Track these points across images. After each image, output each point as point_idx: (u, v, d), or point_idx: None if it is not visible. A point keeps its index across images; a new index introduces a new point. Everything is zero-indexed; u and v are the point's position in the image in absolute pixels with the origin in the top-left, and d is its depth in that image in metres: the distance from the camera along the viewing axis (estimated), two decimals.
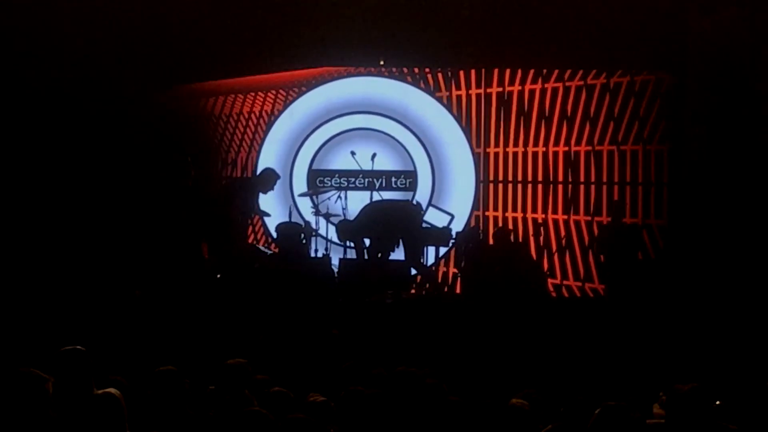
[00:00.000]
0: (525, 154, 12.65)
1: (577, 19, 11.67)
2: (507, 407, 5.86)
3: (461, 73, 12.73)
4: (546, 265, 12.24)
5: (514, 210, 12.67)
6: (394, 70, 12.86)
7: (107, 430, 4.52)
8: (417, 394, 5.73)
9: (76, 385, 5.01)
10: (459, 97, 12.81)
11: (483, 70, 12.68)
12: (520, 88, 12.64)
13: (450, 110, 12.81)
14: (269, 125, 12.98)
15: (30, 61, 11.45)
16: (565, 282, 12.34)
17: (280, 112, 12.96)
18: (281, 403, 5.88)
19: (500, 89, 12.68)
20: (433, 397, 6.04)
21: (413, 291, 11.47)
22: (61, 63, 11.50)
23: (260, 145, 12.93)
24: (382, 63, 12.79)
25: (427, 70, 12.84)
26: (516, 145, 12.68)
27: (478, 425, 5.68)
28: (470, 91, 12.77)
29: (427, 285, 11.51)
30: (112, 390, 4.86)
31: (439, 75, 12.82)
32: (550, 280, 11.98)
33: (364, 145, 12.43)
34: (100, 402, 4.53)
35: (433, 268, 11.81)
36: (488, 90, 12.72)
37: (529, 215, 12.63)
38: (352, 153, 12.02)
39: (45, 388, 4.32)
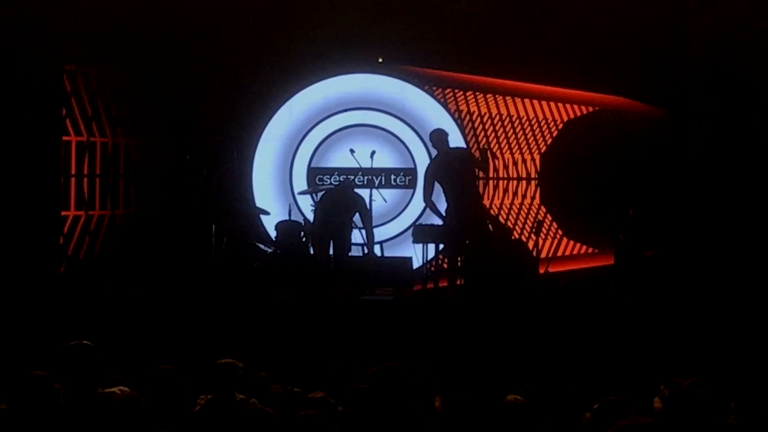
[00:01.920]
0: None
1: (576, 16, 11.69)
2: (503, 404, 5.88)
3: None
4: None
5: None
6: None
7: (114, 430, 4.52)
8: (408, 391, 5.73)
9: (82, 383, 4.95)
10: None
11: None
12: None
13: (446, 107, 12.81)
14: (265, 122, 12.94)
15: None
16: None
17: (276, 109, 12.92)
18: (284, 401, 5.89)
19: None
20: (426, 395, 6.06)
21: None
22: None
23: (256, 142, 12.90)
24: (380, 61, 12.78)
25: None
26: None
27: (476, 422, 5.69)
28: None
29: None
30: (119, 389, 4.87)
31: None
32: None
33: (363, 143, 12.39)
34: (106, 402, 4.52)
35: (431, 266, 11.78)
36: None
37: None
38: (351, 151, 11.99)
39: (55, 391, 4.31)
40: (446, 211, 11.12)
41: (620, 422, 3.91)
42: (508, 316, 9.91)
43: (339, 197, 11.47)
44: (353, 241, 11.69)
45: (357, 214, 11.45)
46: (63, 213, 12.29)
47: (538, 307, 10.10)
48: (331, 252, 11.23)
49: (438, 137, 11.26)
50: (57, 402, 4.37)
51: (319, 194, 11.76)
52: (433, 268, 11.58)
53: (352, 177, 12.38)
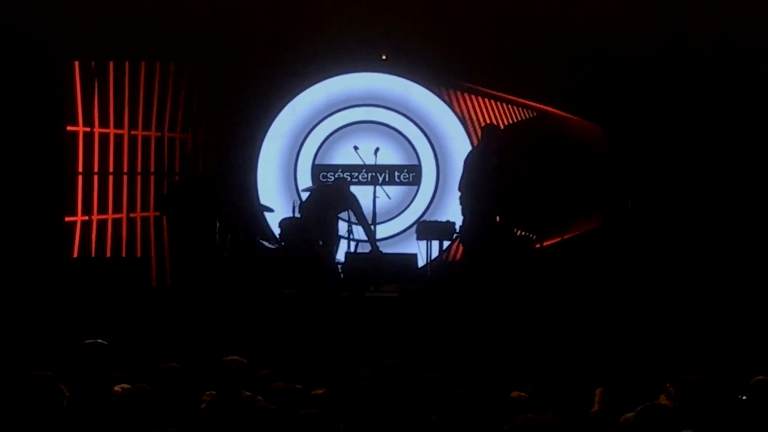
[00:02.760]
0: None
1: (578, 11, 11.68)
2: (507, 400, 5.89)
3: None
4: None
5: None
6: None
7: (121, 428, 4.52)
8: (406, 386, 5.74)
9: (95, 381, 4.95)
10: None
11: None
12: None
13: (449, 105, 12.78)
14: (270, 120, 12.94)
15: None
16: None
17: (281, 107, 12.92)
18: (287, 398, 5.89)
19: None
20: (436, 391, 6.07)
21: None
22: None
23: (261, 140, 12.90)
24: (383, 58, 12.76)
25: None
26: None
27: (481, 418, 5.70)
28: None
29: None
30: (120, 387, 4.87)
31: None
32: None
33: (367, 140, 12.40)
34: (119, 400, 4.52)
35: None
36: None
37: None
38: (355, 148, 12.00)
39: (59, 391, 4.32)
40: (468, 206, 11.02)
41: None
42: (512, 312, 9.91)
43: (329, 193, 11.49)
44: (356, 237, 11.73)
45: (350, 212, 11.48)
46: (68, 219, 12.26)
47: (542, 303, 10.09)
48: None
49: (491, 132, 11.20)
50: (61, 402, 4.37)
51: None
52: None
53: (356, 174, 12.40)
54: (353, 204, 11.47)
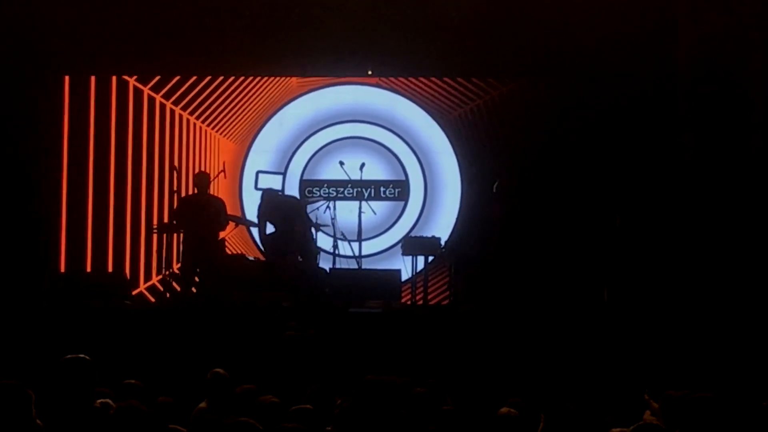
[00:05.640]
0: None
1: (566, 26, 11.70)
2: (496, 417, 5.86)
3: None
4: None
5: None
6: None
7: None
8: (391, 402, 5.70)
9: (78, 395, 4.93)
10: None
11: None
12: None
13: (435, 119, 12.76)
14: (254, 134, 12.92)
15: None
16: None
17: (265, 122, 12.89)
18: (268, 413, 5.85)
19: None
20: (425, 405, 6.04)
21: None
22: None
23: (245, 154, 12.87)
24: (370, 73, 12.74)
25: None
26: None
27: None
28: None
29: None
30: (99, 402, 4.84)
31: None
32: None
33: (353, 155, 12.37)
34: (100, 415, 4.50)
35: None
36: None
37: None
38: (341, 163, 11.97)
39: (28, 398, 4.29)
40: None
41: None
42: (498, 326, 9.89)
43: (287, 207, 11.45)
44: (341, 252, 11.69)
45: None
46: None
47: (528, 318, 10.07)
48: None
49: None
50: (29, 408, 4.36)
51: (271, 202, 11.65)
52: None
53: (341, 189, 12.39)
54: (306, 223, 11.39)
